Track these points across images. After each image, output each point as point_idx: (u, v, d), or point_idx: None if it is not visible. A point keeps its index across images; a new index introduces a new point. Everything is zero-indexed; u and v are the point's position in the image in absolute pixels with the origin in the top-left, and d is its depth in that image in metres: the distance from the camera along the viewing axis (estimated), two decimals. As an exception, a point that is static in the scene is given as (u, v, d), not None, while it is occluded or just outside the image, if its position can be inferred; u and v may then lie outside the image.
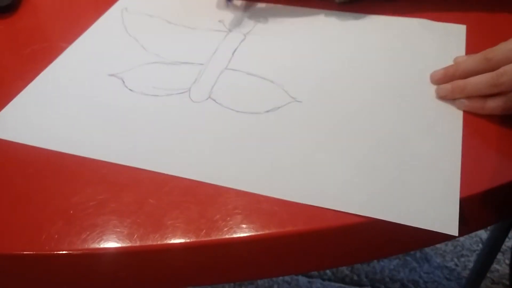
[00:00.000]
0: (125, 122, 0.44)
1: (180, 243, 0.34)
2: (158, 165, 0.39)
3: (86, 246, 0.34)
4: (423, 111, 0.43)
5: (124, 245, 0.34)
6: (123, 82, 0.48)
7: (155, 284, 0.38)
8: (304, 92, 0.46)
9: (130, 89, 0.47)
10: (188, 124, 0.43)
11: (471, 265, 1.03)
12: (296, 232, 0.35)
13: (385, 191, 0.37)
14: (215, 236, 0.34)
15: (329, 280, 1.02)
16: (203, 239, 0.34)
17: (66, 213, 0.36)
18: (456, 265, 1.03)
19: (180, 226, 0.35)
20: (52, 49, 0.52)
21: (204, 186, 0.38)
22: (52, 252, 0.34)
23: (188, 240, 0.34)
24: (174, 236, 0.34)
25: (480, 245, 1.07)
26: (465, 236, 1.09)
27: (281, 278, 1.02)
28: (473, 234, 1.09)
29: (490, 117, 0.42)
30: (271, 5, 0.58)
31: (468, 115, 0.43)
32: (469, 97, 0.43)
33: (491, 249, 0.84)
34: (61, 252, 0.34)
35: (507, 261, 1.03)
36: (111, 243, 0.34)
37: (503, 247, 1.05)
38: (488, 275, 0.99)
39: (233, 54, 0.51)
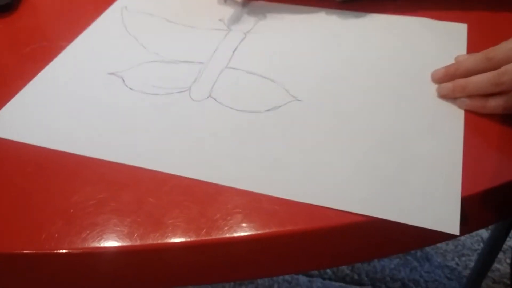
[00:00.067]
0: (125, 121, 0.43)
1: (180, 242, 0.34)
2: (158, 164, 0.39)
3: (86, 245, 0.34)
4: (424, 110, 0.43)
5: (124, 244, 0.34)
6: (123, 80, 0.48)
7: (155, 283, 0.38)
8: (305, 91, 0.46)
9: (130, 88, 0.47)
10: (188, 123, 0.43)
11: (472, 264, 1.03)
12: (296, 231, 0.35)
13: (386, 190, 0.37)
14: (215, 235, 0.34)
15: (330, 279, 1.02)
16: (203, 238, 0.34)
17: (66, 212, 0.36)
18: (457, 264, 1.03)
19: (180, 225, 0.35)
20: (51, 48, 0.52)
21: (204, 185, 0.38)
22: (52, 251, 0.34)
23: (188, 239, 0.34)
24: (174, 235, 0.34)
25: (481, 244, 1.06)
26: (466, 235, 1.09)
27: (281, 277, 1.02)
28: (474, 233, 1.09)
29: (491, 116, 0.42)
30: (271, 4, 0.58)
31: (469, 114, 0.43)
32: (470, 96, 0.43)
33: (492, 249, 0.84)
34: (61, 251, 0.34)
35: (508, 261, 1.03)
36: (111, 242, 0.34)
37: (504, 246, 1.05)
38: (489, 274, 0.99)
39: (233, 52, 0.50)
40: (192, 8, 0.58)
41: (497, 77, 0.41)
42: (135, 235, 0.34)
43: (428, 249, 1.06)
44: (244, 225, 0.35)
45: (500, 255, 1.03)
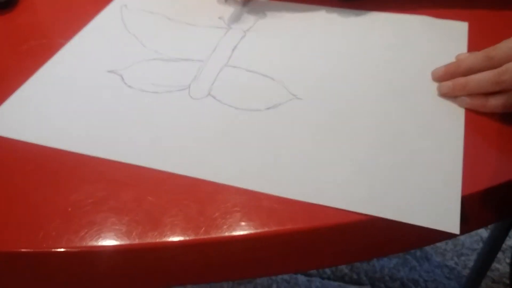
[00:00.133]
0: (124, 119, 0.43)
1: (179, 241, 0.34)
2: (157, 162, 0.39)
3: (84, 244, 0.34)
4: (424, 109, 0.43)
5: (122, 242, 0.34)
6: (122, 78, 0.48)
7: (154, 282, 0.38)
8: (305, 89, 0.45)
9: (129, 86, 0.47)
10: (187, 121, 0.43)
11: (471, 264, 1.03)
12: (295, 230, 0.35)
13: (386, 189, 0.36)
14: (214, 234, 0.34)
15: (329, 278, 1.02)
16: (202, 237, 0.34)
17: (64, 211, 0.36)
18: (456, 264, 1.03)
19: (179, 224, 0.35)
20: (50, 46, 0.52)
21: (203, 184, 0.37)
22: (50, 250, 0.34)
23: (187, 238, 0.34)
24: (173, 234, 0.34)
25: (481, 244, 1.06)
26: (465, 234, 1.08)
27: (280, 276, 1.02)
28: (473, 232, 1.09)
29: (491, 115, 0.42)
30: (271, 2, 0.58)
31: (470, 113, 0.43)
32: (470, 95, 0.43)
33: (492, 248, 0.84)
34: (59, 249, 0.34)
35: (508, 260, 1.03)
36: (109, 241, 0.34)
37: (504, 246, 1.05)
38: (488, 274, 0.99)
39: (233, 51, 0.50)
40: (192, 5, 0.58)
41: (497, 76, 0.41)
42: (134, 234, 0.34)
43: (427, 248, 1.06)
44: (243, 223, 0.35)
45: (500, 255, 1.03)
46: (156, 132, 0.42)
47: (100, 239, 0.34)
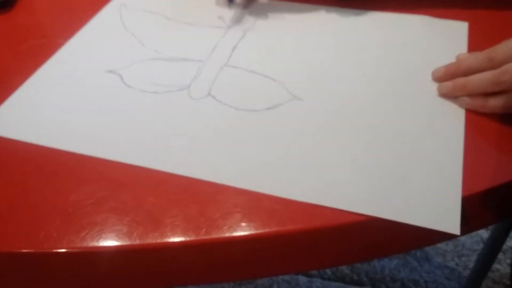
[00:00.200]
0: (124, 119, 0.43)
1: (180, 241, 0.34)
2: (157, 162, 0.39)
3: (85, 244, 0.34)
4: (424, 109, 0.43)
5: (123, 243, 0.34)
6: (121, 78, 0.48)
7: (154, 283, 0.38)
8: (305, 89, 0.45)
9: (128, 86, 0.47)
10: (187, 121, 0.43)
11: (472, 264, 1.03)
12: (296, 231, 0.35)
13: (386, 189, 0.36)
14: (214, 235, 0.34)
15: (329, 279, 1.02)
16: (202, 237, 0.34)
17: (65, 211, 0.36)
18: (457, 264, 1.03)
19: (180, 225, 0.35)
20: (49, 45, 0.52)
21: (203, 184, 0.37)
22: (51, 251, 0.34)
23: (187, 239, 0.34)
24: (174, 235, 0.34)
25: (481, 244, 1.06)
26: (465, 235, 1.08)
27: (280, 277, 1.02)
28: (474, 233, 1.09)
29: (491, 116, 0.42)
30: (271, 2, 0.58)
31: (470, 113, 0.43)
32: (470, 95, 0.43)
33: (492, 249, 0.84)
34: (60, 250, 0.34)
35: (508, 261, 1.03)
36: (110, 241, 0.34)
37: (504, 246, 1.05)
38: (489, 274, 0.99)
39: (232, 50, 0.50)
40: (191, 5, 0.58)
41: (497, 76, 0.41)
42: (134, 234, 0.34)
43: (428, 249, 1.06)
44: (243, 224, 0.35)
45: (500, 256, 1.03)
46: (156, 132, 0.42)
47: (101, 239, 0.34)
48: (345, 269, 1.03)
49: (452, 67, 0.45)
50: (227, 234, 0.34)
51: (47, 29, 0.56)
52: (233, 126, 0.42)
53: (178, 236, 0.34)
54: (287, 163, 0.39)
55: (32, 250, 0.34)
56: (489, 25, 0.53)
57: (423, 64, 0.47)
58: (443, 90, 0.44)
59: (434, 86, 0.45)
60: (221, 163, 0.39)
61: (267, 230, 0.34)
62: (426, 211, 0.35)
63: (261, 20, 0.55)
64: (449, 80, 0.44)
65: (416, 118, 0.42)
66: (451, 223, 0.34)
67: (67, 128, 0.43)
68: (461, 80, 0.43)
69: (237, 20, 0.54)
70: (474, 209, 0.37)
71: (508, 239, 1.02)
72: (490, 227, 0.94)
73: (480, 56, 0.43)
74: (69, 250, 0.34)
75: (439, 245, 1.07)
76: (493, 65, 0.42)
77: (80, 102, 0.45)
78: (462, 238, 1.08)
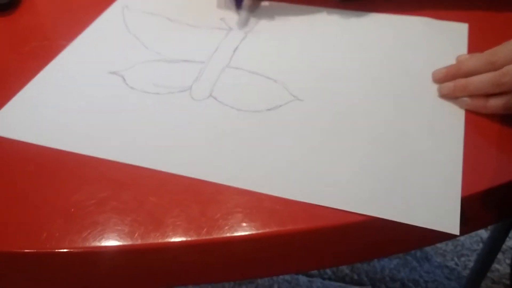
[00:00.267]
0: (126, 120, 0.43)
1: (181, 241, 0.34)
2: (159, 163, 0.39)
3: (87, 244, 0.34)
4: (424, 110, 0.43)
5: (125, 243, 0.34)
6: (124, 80, 0.48)
7: (156, 282, 0.38)
8: (306, 90, 0.46)
9: (131, 87, 0.47)
10: (189, 122, 0.43)
11: (471, 264, 1.03)
12: (296, 231, 0.35)
13: (386, 189, 0.37)
14: (216, 235, 0.34)
15: (329, 279, 1.02)
16: (204, 237, 0.34)
17: (67, 211, 0.36)
18: (457, 264, 1.03)
19: (181, 225, 0.35)
20: (52, 47, 0.52)
21: (205, 185, 0.38)
22: (53, 250, 0.34)
23: (189, 239, 0.34)
24: (175, 235, 0.34)
25: (481, 244, 1.07)
26: (465, 235, 1.09)
27: (281, 277, 1.02)
28: (473, 233, 1.09)
29: (491, 116, 0.42)
30: (272, 3, 0.58)
31: (470, 114, 0.43)
32: (471, 96, 0.43)
33: (492, 249, 0.84)
34: (62, 250, 0.34)
35: (508, 261, 1.03)
36: (112, 241, 0.34)
37: (504, 246, 1.05)
38: (488, 274, 0.99)
39: (234, 52, 0.50)
40: (193, 7, 0.58)
41: (498, 78, 0.41)
42: (136, 234, 0.34)
43: (427, 249, 1.06)
44: (244, 224, 0.35)
45: (500, 256, 1.03)
46: (158, 133, 0.42)
47: (103, 239, 0.34)
48: (345, 269, 1.03)
49: (453, 69, 0.45)
50: (228, 234, 0.34)
51: (50, 31, 0.56)
52: (235, 127, 0.42)
53: (180, 236, 0.34)
54: (288, 164, 0.39)
55: (34, 250, 0.34)
56: (489, 26, 0.53)
57: (423, 65, 0.48)
58: (444, 91, 0.44)
59: (434, 87, 0.45)
60: (222, 163, 0.39)
61: (267, 230, 0.35)
62: (426, 211, 0.35)
63: (262, 21, 0.55)
64: (450, 81, 0.45)
65: (416, 118, 0.42)
66: (450, 223, 0.34)
67: (69, 129, 0.43)
68: (462, 81, 0.43)
69: (244, 23, 0.54)
70: (473, 209, 0.37)
71: (507, 239, 1.02)
72: (489, 227, 0.94)
73: (481, 59, 0.43)
74: (71, 250, 0.34)
75: (439, 245, 1.07)
76: (494, 68, 0.42)
77: (83, 103, 0.45)
78: (462, 238, 1.08)
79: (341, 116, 0.43)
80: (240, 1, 0.55)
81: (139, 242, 0.34)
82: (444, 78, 0.45)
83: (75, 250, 0.34)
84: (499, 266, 1.02)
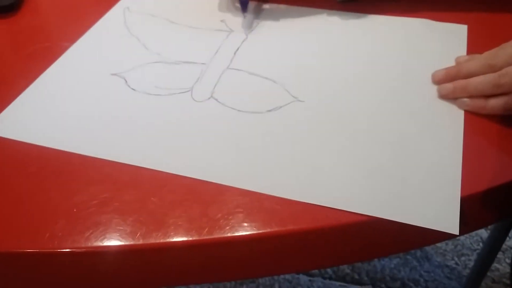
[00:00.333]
0: (128, 121, 0.44)
1: (182, 241, 0.34)
2: (160, 164, 0.39)
3: (89, 244, 0.34)
4: (424, 111, 0.43)
5: (126, 243, 0.34)
6: (126, 81, 0.48)
7: (157, 282, 0.38)
8: (306, 91, 0.46)
9: (132, 89, 0.47)
10: (190, 123, 0.43)
11: (471, 264, 1.03)
12: (297, 231, 0.35)
13: (386, 190, 0.37)
14: (217, 235, 0.34)
15: (330, 278, 1.02)
16: (205, 237, 0.34)
17: (69, 212, 0.36)
18: (457, 264, 1.03)
19: (182, 225, 0.35)
20: (54, 49, 0.52)
21: (206, 185, 0.38)
22: (56, 250, 0.34)
23: (190, 239, 0.34)
24: (177, 235, 0.35)
25: (481, 244, 1.07)
26: (465, 235, 1.09)
27: (282, 276, 1.02)
28: (473, 233, 1.09)
29: (490, 117, 0.42)
30: (273, 5, 0.58)
31: (469, 114, 0.43)
32: (470, 97, 0.43)
33: (492, 248, 0.84)
34: (64, 250, 0.34)
35: (508, 260, 1.03)
36: (114, 241, 0.35)
37: (504, 246, 1.05)
38: (488, 274, 0.99)
39: (235, 53, 0.51)
40: (194, 8, 0.58)
41: (497, 79, 0.41)
42: (138, 234, 0.35)
43: (427, 248, 1.06)
44: (245, 224, 0.35)
45: (500, 255, 1.03)
46: (159, 134, 0.42)
47: (105, 239, 0.35)
48: (346, 268, 1.03)
49: (452, 71, 0.45)
50: (229, 234, 0.35)
51: (52, 32, 0.56)
52: (235, 128, 0.42)
53: (181, 236, 0.35)
54: (288, 164, 0.39)
55: (36, 250, 0.35)
56: (488, 27, 0.53)
57: (423, 66, 0.48)
58: (444, 91, 0.45)
59: (433, 88, 0.46)
60: (223, 164, 0.39)
61: (268, 230, 0.35)
62: (426, 211, 0.35)
63: (262, 23, 0.55)
64: (450, 82, 0.45)
65: (416, 119, 0.43)
66: (450, 223, 0.34)
67: (71, 130, 0.43)
68: (462, 82, 0.44)
69: (249, 26, 0.54)
70: (473, 209, 0.38)
71: (507, 238, 1.03)
72: (489, 227, 0.94)
73: (480, 62, 0.43)
74: (74, 250, 0.34)
75: (439, 244, 1.07)
76: (493, 71, 0.42)
77: (85, 104, 0.46)
78: (462, 238, 1.08)
79: (341, 117, 0.43)
80: (245, 5, 0.55)
81: (141, 242, 0.34)
82: (443, 79, 0.45)
83: (78, 250, 0.34)
84: (499, 266, 1.02)
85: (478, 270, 0.90)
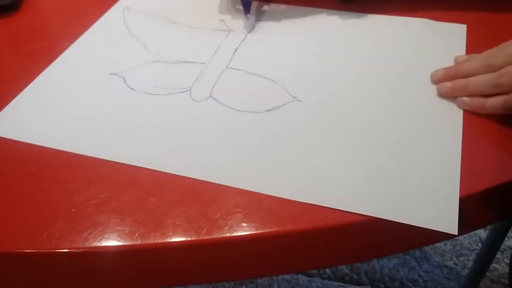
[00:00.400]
0: (126, 120, 0.44)
1: (181, 241, 0.34)
2: (159, 163, 0.39)
3: (87, 245, 0.34)
4: (423, 110, 0.43)
5: (125, 243, 0.34)
6: (125, 81, 0.48)
7: (156, 282, 0.38)
8: (305, 91, 0.46)
9: (131, 88, 0.47)
10: (189, 123, 0.43)
11: (470, 264, 1.03)
12: (296, 231, 0.35)
13: (385, 190, 0.37)
14: (215, 235, 0.34)
15: (329, 279, 1.02)
16: (203, 237, 0.34)
17: (68, 212, 0.36)
18: (456, 264, 1.04)
19: (181, 225, 0.35)
20: (53, 48, 0.52)
21: (204, 185, 0.38)
22: (54, 251, 0.34)
23: (188, 239, 0.34)
24: (175, 235, 0.35)
25: (479, 244, 1.07)
26: (464, 235, 1.09)
27: (281, 276, 1.02)
28: (472, 233, 1.09)
29: (489, 117, 0.42)
30: (272, 4, 0.58)
31: (468, 114, 0.43)
32: (469, 96, 0.43)
33: (491, 249, 0.84)
34: (62, 250, 0.34)
35: (506, 260, 1.03)
36: (112, 242, 0.34)
37: (502, 246, 1.05)
38: (487, 274, 0.99)
39: (234, 53, 0.51)
40: (193, 8, 0.58)
41: (497, 78, 0.41)
42: (136, 235, 0.35)
43: (426, 249, 1.06)
44: (244, 224, 0.35)
45: (498, 255, 1.04)
46: (158, 134, 0.42)
47: (103, 239, 0.35)
48: (344, 268, 1.03)
49: (452, 71, 0.45)
50: (227, 234, 0.35)
51: (52, 32, 0.56)
52: (234, 128, 0.42)
53: (180, 236, 0.34)
54: (288, 164, 0.39)
55: (35, 250, 0.35)
56: (486, 27, 0.53)
57: (422, 66, 0.48)
58: (443, 90, 0.45)
59: (432, 88, 0.46)
60: (222, 164, 0.39)
61: (267, 230, 0.35)
62: (425, 212, 0.35)
63: (262, 22, 0.55)
64: (449, 81, 0.45)
65: (415, 119, 0.43)
66: (449, 223, 0.34)
67: (70, 129, 0.43)
68: (461, 81, 0.44)
69: (251, 27, 0.54)
70: (472, 209, 0.38)
71: (506, 238, 1.03)
72: (488, 227, 0.94)
73: (479, 63, 0.43)
74: (72, 250, 0.34)
75: (437, 244, 1.07)
76: (492, 71, 0.42)
77: (84, 104, 0.46)
78: (461, 238, 1.08)
79: (339, 117, 0.43)
80: (248, 7, 0.54)
81: (139, 242, 0.34)
82: (442, 79, 0.45)
83: (76, 250, 0.34)
84: (498, 266, 1.02)
85: (477, 270, 0.90)
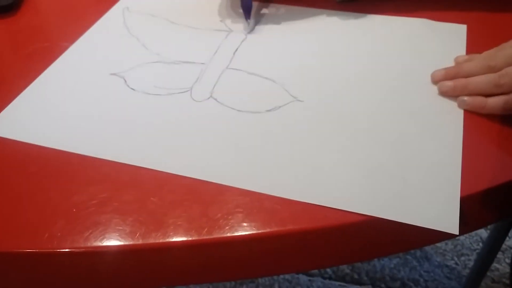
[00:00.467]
0: (127, 121, 0.44)
1: (182, 241, 0.34)
2: (160, 163, 0.39)
3: (88, 244, 0.34)
4: (423, 110, 0.43)
5: (126, 243, 0.34)
6: (125, 81, 0.48)
7: (157, 282, 0.38)
8: (305, 91, 0.46)
9: (131, 88, 0.47)
10: (189, 123, 0.43)
11: (471, 264, 1.03)
12: (297, 231, 0.35)
13: (386, 189, 0.37)
14: (216, 235, 0.34)
15: (330, 278, 1.02)
16: (204, 237, 0.34)
17: (69, 212, 0.36)
18: (457, 264, 1.04)
19: (182, 225, 0.35)
20: (53, 49, 0.52)
21: (205, 185, 0.38)
22: (55, 250, 0.34)
23: (189, 239, 0.34)
24: (176, 235, 0.35)
25: (480, 244, 1.07)
26: (465, 235, 1.09)
27: (282, 276, 1.02)
28: (473, 233, 1.09)
29: (490, 117, 0.42)
30: (272, 5, 0.58)
31: (469, 114, 0.43)
32: (470, 96, 0.43)
33: (491, 248, 0.84)
34: (63, 250, 0.34)
35: (507, 260, 1.03)
36: (113, 241, 0.35)
37: (503, 246, 1.05)
38: (488, 274, 0.99)
39: (234, 53, 0.51)
40: (193, 8, 0.58)
41: (497, 79, 0.41)
42: (137, 234, 0.35)
43: (427, 248, 1.06)
44: (245, 224, 0.35)
45: (499, 255, 1.04)
46: (158, 134, 0.42)
47: (105, 239, 0.35)
48: (345, 268, 1.03)
49: (452, 71, 0.45)
50: (228, 234, 0.35)
51: (52, 32, 0.56)
52: (235, 128, 0.42)
53: (181, 236, 0.35)
54: (288, 164, 0.39)
55: (36, 250, 0.35)
56: (487, 27, 0.53)
57: (422, 66, 0.48)
58: (444, 88, 0.44)
59: (432, 88, 0.46)
60: (223, 164, 0.39)
61: (268, 230, 0.35)
62: (425, 211, 0.35)
63: (262, 23, 0.55)
64: (450, 80, 0.45)
65: (415, 119, 0.43)
66: (449, 223, 0.34)
67: (71, 130, 0.43)
68: (462, 81, 0.44)
69: (252, 29, 0.54)
70: (473, 209, 0.38)
71: (507, 238, 1.03)
72: (489, 226, 0.94)
73: (479, 63, 0.43)
74: (73, 250, 0.34)
75: (438, 244, 1.07)
76: (493, 72, 0.42)
77: (85, 104, 0.46)
78: (462, 238, 1.08)
79: (340, 117, 0.43)
80: (249, 11, 0.54)
81: (140, 242, 0.34)
82: (443, 79, 0.45)
83: (77, 250, 0.34)
84: (499, 266, 1.02)
85: (478, 270, 0.90)
